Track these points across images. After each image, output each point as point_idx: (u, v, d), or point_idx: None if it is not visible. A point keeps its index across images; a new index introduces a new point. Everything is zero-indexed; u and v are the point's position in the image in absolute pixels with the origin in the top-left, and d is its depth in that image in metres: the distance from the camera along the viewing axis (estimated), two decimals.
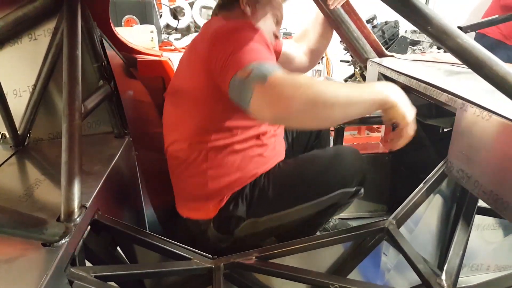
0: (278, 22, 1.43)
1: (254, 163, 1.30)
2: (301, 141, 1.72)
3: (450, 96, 1.16)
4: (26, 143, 1.43)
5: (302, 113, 0.93)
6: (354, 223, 1.85)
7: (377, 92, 0.98)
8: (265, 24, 1.37)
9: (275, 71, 0.96)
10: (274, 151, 1.37)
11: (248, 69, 0.99)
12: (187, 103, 1.27)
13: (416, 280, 1.09)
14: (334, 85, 0.97)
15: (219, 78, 1.10)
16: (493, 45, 3.80)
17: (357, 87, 1.00)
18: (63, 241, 0.90)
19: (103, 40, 1.44)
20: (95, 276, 0.93)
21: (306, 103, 0.92)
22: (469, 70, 0.85)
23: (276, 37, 1.45)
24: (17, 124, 1.38)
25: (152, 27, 2.81)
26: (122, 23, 3.28)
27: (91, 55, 1.40)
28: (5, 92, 1.31)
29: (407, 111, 1.00)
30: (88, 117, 1.31)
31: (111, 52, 1.49)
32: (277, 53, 1.65)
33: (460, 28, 1.78)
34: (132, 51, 1.74)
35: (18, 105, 1.38)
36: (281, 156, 1.42)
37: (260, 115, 0.98)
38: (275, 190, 1.27)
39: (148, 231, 1.20)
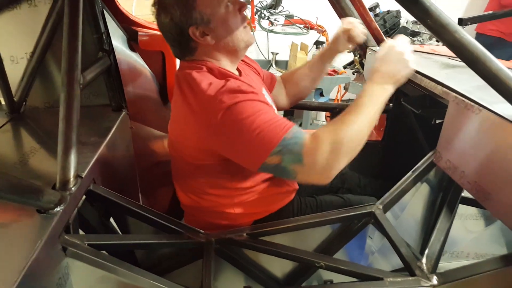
0: (244, 19, 1.23)
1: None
2: None
3: (444, 88, 1.19)
4: (22, 111, 1.43)
5: (347, 157, 1.00)
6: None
7: (384, 92, 1.07)
8: (238, 35, 1.19)
9: (301, 144, 0.98)
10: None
11: (275, 155, 0.99)
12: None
13: (399, 263, 1.14)
14: (350, 116, 1.03)
15: (234, 159, 1.09)
16: (493, 43, 3.81)
17: (366, 100, 1.05)
18: (58, 208, 0.92)
19: (104, 11, 1.43)
20: (88, 244, 0.96)
21: (346, 151, 0.98)
22: (465, 64, 0.87)
23: (241, 7, 1.21)
24: (13, 91, 1.39)
25: None
26: None
27: (92, 26, 1.40)
28: (2, 57, 1.31)
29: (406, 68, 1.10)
30: (85, 89, 1.31)
31: (112, 24, 1.48)
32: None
33: (460, 19, 1.78)
34: (134, 23, 1.73)
35: (15, 72, 1.38)
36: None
37: (315, 183, 1.01)
38: None
39: (141, 204, 1.22)
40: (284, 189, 1.34)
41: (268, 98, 1.36)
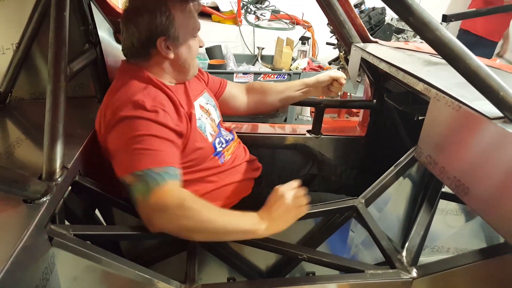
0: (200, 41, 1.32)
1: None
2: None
3: (425, 85, 1.21)
4: (7, 102, 1.42)
5: (181, 233, 1.02)
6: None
7: (254, 229, 1.03)
8: (191, 53, 1.28)
9: (161, 185, 1.01)
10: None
11: (132, 177, 1.04)
12: None
13: (381, 257, 1.16)
14: (215, 216, 1.02)
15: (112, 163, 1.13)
16: (476, 42, 3.89)
17: (237, 215, 1.04)
18: (44, 199, 0.92)
19: (91, 3, 1.43)
20: (74, 235, 0.96)
21: (186, 228, 1.01)
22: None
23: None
24: None
25: None
26: None
27: (78, 18, 1.40)
28: None
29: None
30: (71, 80, 1.31)
31: (98, 16, 1.48)
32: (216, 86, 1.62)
33: (444, 16, 1.82)
34: (120, 16, 1.72)
35: (0, 63, 1.37)
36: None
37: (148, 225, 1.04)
38: None
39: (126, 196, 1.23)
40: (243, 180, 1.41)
41: (208, 101, 1.44)
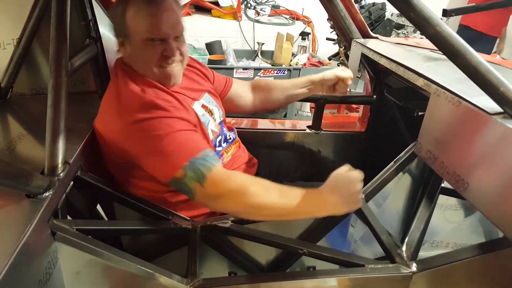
0: (164, 38, 1.17)
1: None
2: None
3: (426, 81, 1.22)
4: (8, 97, 1.43)
5: (240, 212, 1.08)
6: None
7: (321, 208, 1.05)
8: (147, 68, 1.19)
9: (209, 167, 1.04)
10: None
11: (181, 170, 1.04)
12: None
13: (380, 252, 1.17)
14: (278, 198, 1.03)
15: (144, 167, 1.13)
16: (476, 37, 3.88)
17: (298, 198, 1.03)
18: (47, 193, 0.93)
19: None
20: (76, 229, 0.97)
21: (244, 211, 1.05)
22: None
23: (166, 57, 1.18)
24: None
25: None
26: None
27: (79, 13, 1.40)
28: None
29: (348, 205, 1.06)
30: (72, 75, 1.31)
31: (99, 11, 1.48)
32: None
33: (445, 10, 1.82)
34: None
35: (1, 58, 1.38)
36: None
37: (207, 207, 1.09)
38: None
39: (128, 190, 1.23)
40: None
41: (209, 102, 1.40)
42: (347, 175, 1.06)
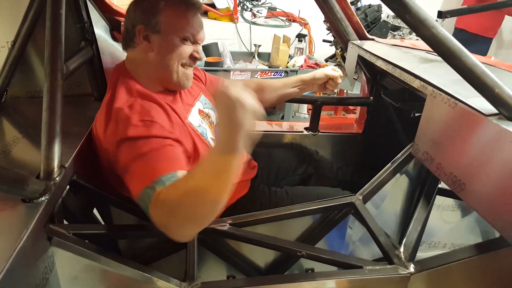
0: (195, 41, 1.23)
1: None
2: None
3: (422, 82, 1.22)
4: (3, 100, 1.42)
5: (186, 222, 0.91)
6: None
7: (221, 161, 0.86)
8: (171, 65, 1.20)
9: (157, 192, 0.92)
10: None
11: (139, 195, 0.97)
12: None
13: (379, 253, 1.17)
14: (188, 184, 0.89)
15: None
16: (471, 39, 3.91)
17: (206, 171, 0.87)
18: (43, 198, 0.92)
19: (87, 0, 1.42)
20: (73, 234, 0.96)
21: (182, 217, 0.90)
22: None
23: (195, 58, 1.24)
24: None
25: None
26: None
27: (74, 15, 1.39)
28: None
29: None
30: (67, 78, 1.31)
31: (94, 13, 1.48)
32: (202, 80, 1.56)
33: (440, 12, 1.82)
34: (116, 13, 1.71)
35: None
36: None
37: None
38: None
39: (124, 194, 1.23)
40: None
41: (205, 104, 1.42)
42: (224, 108, 0.86)
